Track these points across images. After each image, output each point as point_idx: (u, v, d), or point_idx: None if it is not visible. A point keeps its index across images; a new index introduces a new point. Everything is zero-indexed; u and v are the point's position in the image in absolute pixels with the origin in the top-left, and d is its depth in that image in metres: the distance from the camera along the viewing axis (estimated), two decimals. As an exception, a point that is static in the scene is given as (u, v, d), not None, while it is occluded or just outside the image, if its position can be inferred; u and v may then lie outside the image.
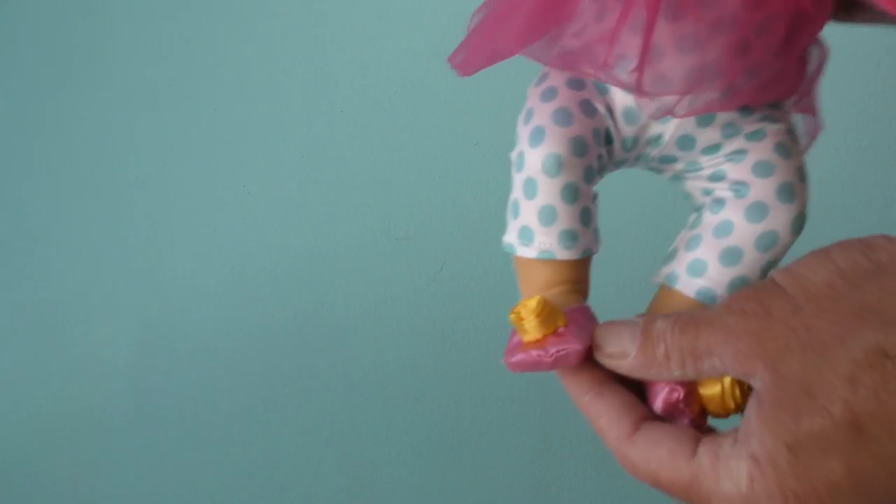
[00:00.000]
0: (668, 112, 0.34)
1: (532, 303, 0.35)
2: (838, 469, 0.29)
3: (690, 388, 0.35)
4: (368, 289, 0.98)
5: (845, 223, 0.91)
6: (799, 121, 0.39)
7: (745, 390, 0.34)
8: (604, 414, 0.35)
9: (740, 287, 0.36)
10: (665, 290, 0.38)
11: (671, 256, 0.38)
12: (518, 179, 0.36)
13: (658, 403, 0.35)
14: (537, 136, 0.35)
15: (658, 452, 0.33)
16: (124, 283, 1.02)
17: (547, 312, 0.34)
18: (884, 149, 0.91)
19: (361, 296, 0.98)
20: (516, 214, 0.36)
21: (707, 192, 0.37)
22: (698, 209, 0.38)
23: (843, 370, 0.29)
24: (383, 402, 0.99)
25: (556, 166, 0.35)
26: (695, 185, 0.38)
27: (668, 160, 0.37)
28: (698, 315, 0.33)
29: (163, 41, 1.00)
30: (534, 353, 0.34)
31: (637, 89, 0.34)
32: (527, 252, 0.36)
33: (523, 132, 0.36)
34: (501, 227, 0.38)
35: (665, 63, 0.33)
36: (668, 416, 0.35)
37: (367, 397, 0.99)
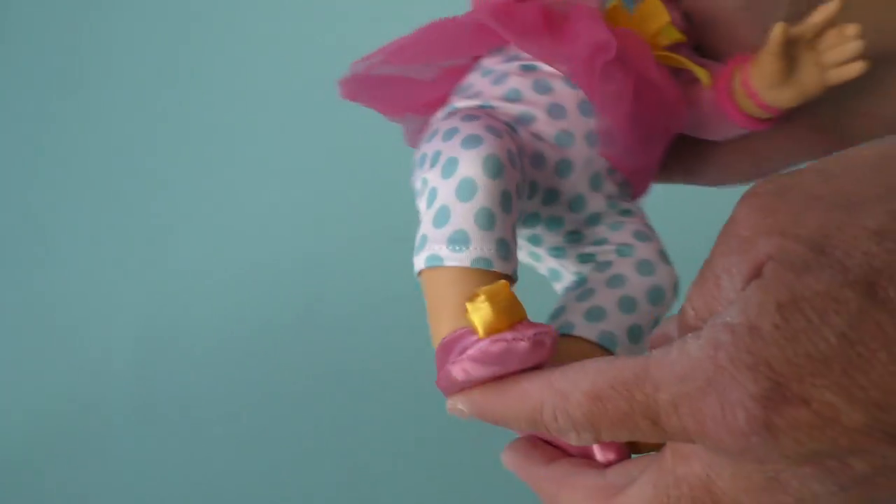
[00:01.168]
0: (570, 152, 0.36)
1: (497, 285, 0.30)
2: (831, 338, 0.23)
3: None
4: (368, 289, 0.98)
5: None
6: None
7: None
8: None
9: (637, 335, 0.35)
10: (561, 340, 0.35)
11: (559, 311, 0.36)
12: (447, 186, 0.33)
13: None
14: (473, 141, 0.33)
15: (593, 364, 0.28)
16: (124, 282, 1.02)
17: (513, 297, 0.31)
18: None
19: (361, 296, 0.98)
20: (444, 221, 0.33)
21: (586, 259, 0.38)
22: (575, 276, 0.38)
23: (873, 223, 0.24)
24: (383, 402, 0.99)
25: (497, 168, 0.33)
26: (573, 254, 0.38)
27: (555, 223, 0.37)
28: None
29: (164, 41, 1.00)
30: (507, 335, 0.30)
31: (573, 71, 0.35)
32: (458, 260, 0.33)
33: (448, 145, 0.33)
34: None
35: (568, 121, 0.36)
36: None
37: (367, 397, 0.99)
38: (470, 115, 0.35)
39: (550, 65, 0.36)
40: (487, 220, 0.33)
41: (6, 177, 1.04)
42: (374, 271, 0.97)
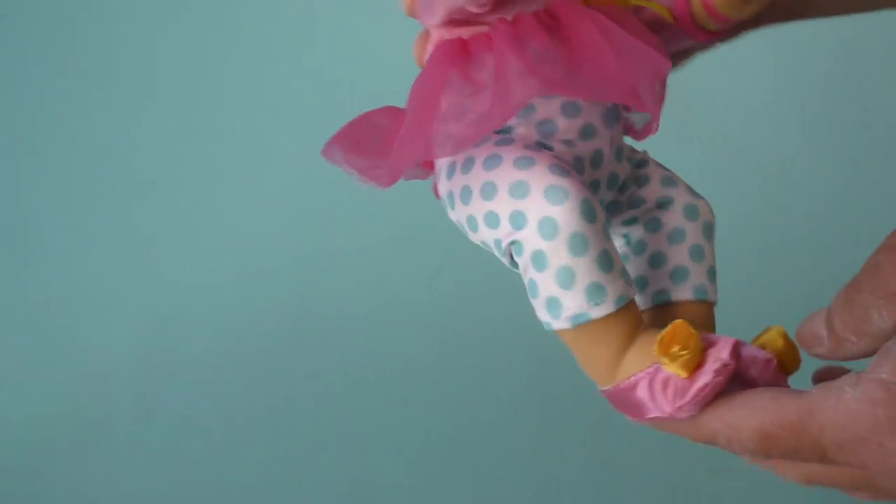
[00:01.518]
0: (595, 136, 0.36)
1: (680, 328, 0.32)
2: None
3: (777, 364, 0.34)
4: (368, 289, 0.98)
5: (850, 224, 0.91)
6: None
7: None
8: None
9: (713, 275, 0.39)
10: (661, 310, 0.38)
11: (643, 284, 0.39)
12: (552, 246, 0.33)
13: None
14: (555, 193, 0.33)
15: (759, 402, 0.31)
16: (124, 283, 1.02)
17: (694, 336, 0.33)
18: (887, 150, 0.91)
19: (361, 296, 0.98)
20: (571, 282, 0.33)
21: (630, 223, 0.40)
22: (623, 237, 0.40)
23: None
24: (383, 402, 0.99)
25: (591, 210, 0.33)
26: (616, 222, 0.40)
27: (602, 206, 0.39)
28: (857, 277, 0.31)
29: (162, 41, 1.00)
30: (711, 372, 0.32)
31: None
32: (605, 308, 0.33)
33: (526, 202, 0.33)
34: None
35: (583, 113, 0.36)
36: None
37: (366, 397, 0.99)
38: (526, 159, 0.34)
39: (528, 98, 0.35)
40: (607, 263, 0.33)
41: (5, 177, 1.04)
42: (374, 272, 0.97)
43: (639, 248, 0.40)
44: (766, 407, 0.30)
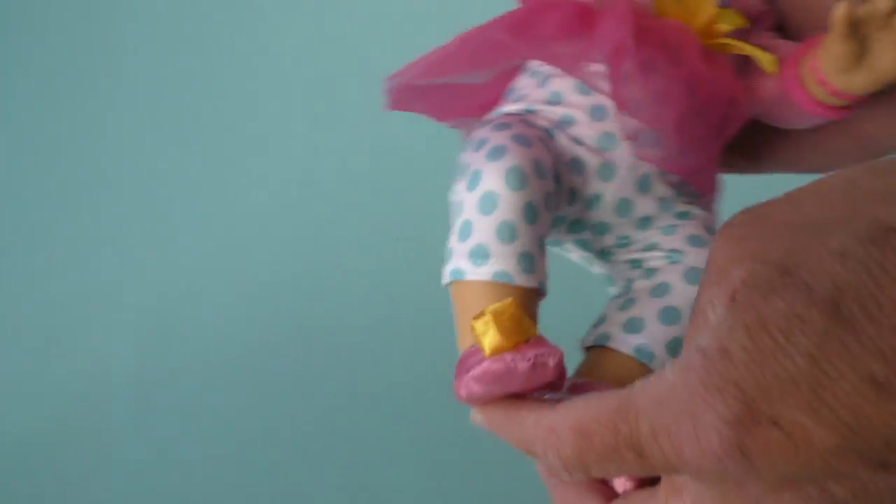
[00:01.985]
0: (615, 155, 0.34)
1: (506, 302, 0.30)
2: (799, 360, 0.23)
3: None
4: (368, 289, 0.98)
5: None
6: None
7: None
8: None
9: (676, 348, 0.34)
10: (596, 352, 0.35)
11: (600, 321, 0.36)
12: (470, 199, 0.33)
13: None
14: (497, 152, 0.33)
15: (581, 400, 0.28)
16: (126, 283, 1.02)
17: (520, 315, 0.30)
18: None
19: (361, 296, 0.98)
20: (467, 235, 0.33)
21: (636, 265, 0.37)
22: (624, 282, 0.37)
23: (837, 245, 0.24)
24: (383, 402, 0.99)
25: (520, 180, 0.32)
26: (622, 260, 0.37)
27: (602, 229, 0.36)
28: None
29: (164, 42, 1.00)
30: (507, 356, 0.30)
31: (616, 95, 0.33)
32: (479, 274, 0.33)
33: (475, 157, 0.33)
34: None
35: (610, 122, 0.34)
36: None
37: (367, 397, 0.99)
38: (501, 124, 0.34)
39: (567, 73, 0.35)
40: (509, 234, 0.32)
41: (6, 178, 1.04)
42: (374, 272, 0.97)
43: (625, 290, 0.37)
44: (587, 402, 0.27)
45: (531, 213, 0.33)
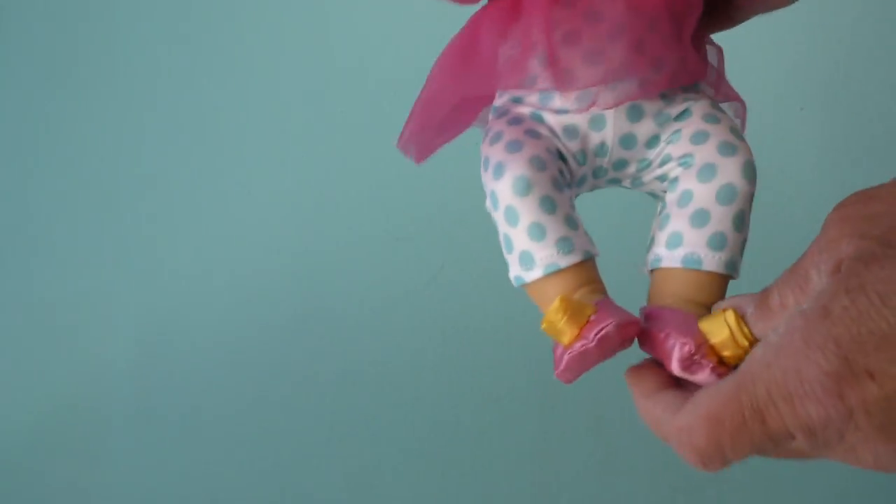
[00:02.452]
0: (592, 104, 0.37)
1: (555, 303, 0.35)
2: (892, 319, 0.26)
3: (699, 339, 0.35)
4: (368, 289, 0.98)
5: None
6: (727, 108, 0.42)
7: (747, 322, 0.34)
8: (659, 405, 0.33)
9: (720, 242, 0.37)
10: (655, 274, 0.39)
11: (650, 244, 0.40)
12: (499, 217, 0.38)
13: (674, 364, 0.35)
14: (498, 170, 0.38)
15: (702, 393, 0.31)
16: (124, 282, 1.02)
17: (573, 307, 0.35)
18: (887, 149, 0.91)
19: (361, 296, 0.98)
20: (511, 247, 0.38)
21: (663, 179, 0.40)
22: (661, 199, 0.40)
23: None
24: (383, 402, 0.99)
25: (525, 185, 0.37)
26: (652, 179, 0.40)
27: (621, 165, 0.40)
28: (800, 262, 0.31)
29: (163, 41, 1.00)
30: (577, 345, 0.35)
31: (556, 84, 0.37)
32: (533, 274, 0.37)
33: (486, 178, 0.39)
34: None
35: (578, 77, 0.37)
36: (687, 374, 0.35)
37: (366, 397, 0.99)
38: (494, 136, 0.39)
39: (518, 88, 0.39)
40: (538, 233, 0.37)
41: (5, 177, 1.04)
42: (374, 272, 0.97)
43: (660, 208, 0.40)
44: (709, 392, 0.30)
45: (548, 205, 0.37)
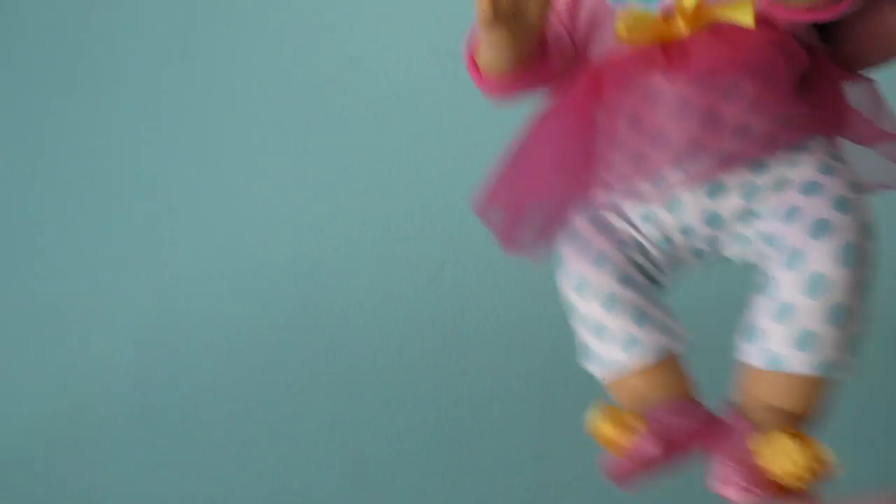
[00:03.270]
0: (666, 191, 0.35)
1: (601, 415, 0.36)
2: None
3: (751, 466, 0.33)
4: (368, 289, 0.98)
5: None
6: (867, 155, 0.37)
7: (814, 446, 0.31)
8: None
9: (807, 341, 0.33)
10: (741, 367, 0.36)
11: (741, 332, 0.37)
12: (568, 310, 0.39)
13: (714, 483, 0.34)
14: (562, 268, 0.38)
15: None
16: (125, 282, 1.02)
17: (616, 418, 0.36)
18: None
19: (361, 296, 0.98)
20: (585, 350, 0.39)
21: (760, 256, 0.37)
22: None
23: None
24: (383, 402, 0.99)
25: (581, 285, 0.37)
26: (752, 254, 0.37)
27: (713, 242, 0.37)
28: None
29: (163, 41, 1.00)
30: (620, 461, 0.36)
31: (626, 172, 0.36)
32: (605, 375, 0.38)
33: (562, 283, 0.40)
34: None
35: (652, 161, 0.34)
36: (729, 494, 0.33)
37: (367, 397, 0.99)
38: (570, 229, 0.38)
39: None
40: (599, 331, 0.37)
41: (5, 176, 1.04)
42: (374, 272, 0.97)
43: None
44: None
45: (608, 302, 0.36)
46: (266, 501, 1.02)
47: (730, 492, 0.32)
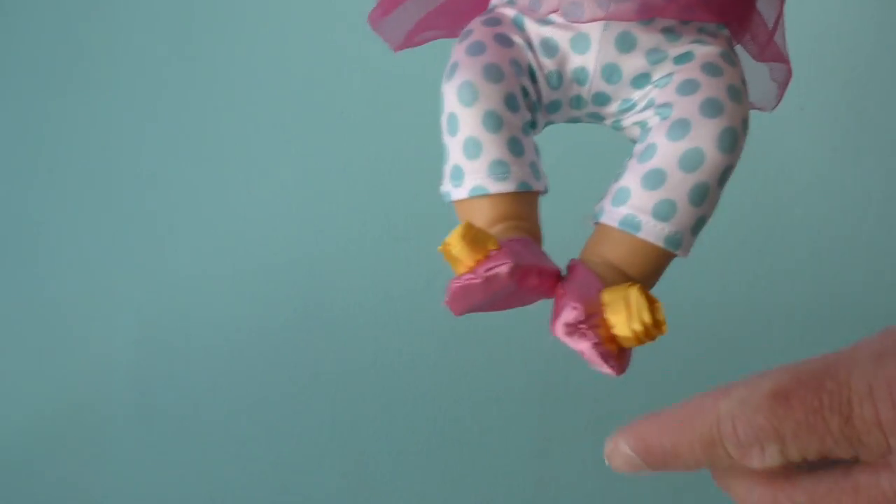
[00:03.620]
0: (580, 19, 0.32)
1: (458, 228, 0.32)
2: None
3: (594, 308, 0.31)
4: (368, 289, 0.98)
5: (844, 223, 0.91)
6: (764, 70, 0.38)
7: (657, 307, 0.30)
8: None
9: (667, 211, 0.33)
10: (595, 229, 0.35)
11: (604, 194, 0.35)
12: (442, 122, 0.34)
13: (557, 326, 0.32)
14: (451, 71, 0.34)
15: (778, 369, 0.26)
16: (125, 281, 1.02)
17: (473, 236, 0.32)
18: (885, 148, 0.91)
19: (361, 295, 0.98)
20: (446, 158, 0.34)
21: (642, 126, 0.35)
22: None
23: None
24: (383, 402, 0.99)
25: (471, 94, 0.33)
26: (631, 124, 0.35)
27: (602, 100, 0.35)
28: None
29: (163, 41, 1.00)
30: (464, 276, 0.32)
31: None
32: (459, 193, 0.34)
33: (444, 75, 0.35)
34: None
35: None
36: (568, 340, 0.32)
37: (367, 397, 0.99)
38: (465, 34, 0.35)
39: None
40: (474, 149, 0.33)
41: (5, 177, 1.04)
42: (374, 272, 0.97)
43: (629, 157, 0.35)
44: (786, 367, 0.25)
45: (492, 121, 0.33)
46: (266, 501, 1.02)
47: (580, 343, 0.31)
